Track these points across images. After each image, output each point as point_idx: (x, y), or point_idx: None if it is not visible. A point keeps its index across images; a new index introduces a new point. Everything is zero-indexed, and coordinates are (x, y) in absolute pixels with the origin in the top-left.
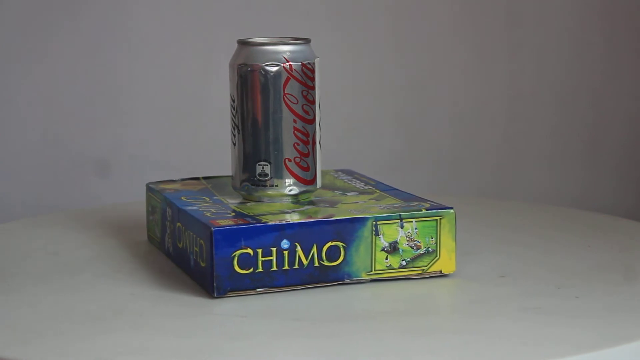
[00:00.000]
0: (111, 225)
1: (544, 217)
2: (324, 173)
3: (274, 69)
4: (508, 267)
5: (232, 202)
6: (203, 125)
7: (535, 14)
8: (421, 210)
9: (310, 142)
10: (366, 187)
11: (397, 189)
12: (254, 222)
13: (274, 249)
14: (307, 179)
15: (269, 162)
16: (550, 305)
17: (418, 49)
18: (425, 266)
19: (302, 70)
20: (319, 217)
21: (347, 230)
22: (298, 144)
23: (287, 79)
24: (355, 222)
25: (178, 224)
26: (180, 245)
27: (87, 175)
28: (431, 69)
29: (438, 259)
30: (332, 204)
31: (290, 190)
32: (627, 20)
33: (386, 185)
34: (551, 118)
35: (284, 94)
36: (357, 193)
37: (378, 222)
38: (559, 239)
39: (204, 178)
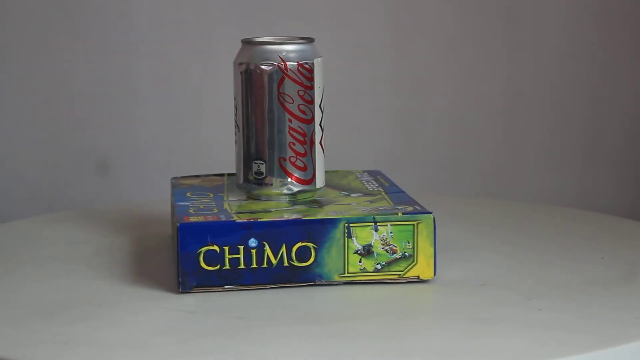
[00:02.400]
0: (135, 220)
1: (544, 218)
2: (348, 173)
3: (269, 68)
4: (495, 272)
5: (232, 199)
6: (203, 125)
7: (534, 14)
8: (397, 214)
9: (308, 142)
10: (375, 189)
11: (403, 192)
12: (224, 219)
13: (242, 247)
14: (304, 179)
15: (265, 161)
16: (502, 317)
17: (418, 49)
18: (402, 271)
19: (298, 70)
20: (289, 217)
21: (318, 231)
22: (294, 144)
23: (282, 79)
24: (327, 224)
25: (173, 218)
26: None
27: (88, 175)
28: (431, 69)
29: (415, 264)
30: (326, 204)
31: (286, 190)
32: (625, 20)
33: (398, 188)
34: (550, 118)
35: (279, 94)
36: (361, 194)
37: (351, 225)
38: (558, 239)
39: (229, 174)
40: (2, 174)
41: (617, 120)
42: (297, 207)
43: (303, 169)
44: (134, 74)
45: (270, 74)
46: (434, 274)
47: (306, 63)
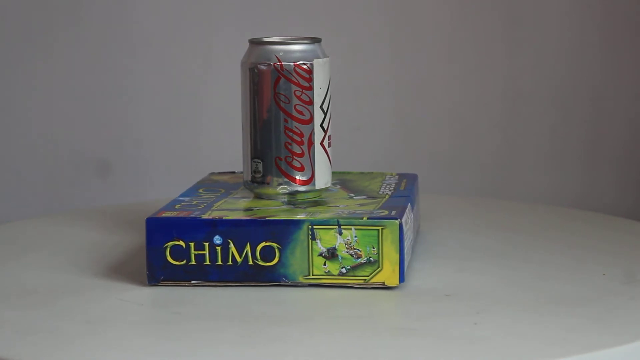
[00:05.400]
0: (134, 220)
1: (544, 218)
2: (380, 175)
3: (266, 68)
4: (472, 281)
5: (236, 197)
6: (203, 125)
7: (534, 14)
8: (362, 218)
9: (306, 143)
10: (384, 193)
11: (407, 197)
12: (195, 216)
13: (207, 244)
14: (301, 179)
15: (262, 160)
16: (427, 329)
17: (417, 48)
18: (367, 276)
19: (294, 70)
20: (254, 217)
21: (283, 232)
22: (290, 144)
23: (278, 79)
24: (290, 225)
25: None
26: None
27: (87, 175)
28: (430, 69)
29: (380, 270)
30: (320, 205)
31: (283, 189)
32: (626, 20)
33: (408, 192)
34: (551, 118)
35: (275, 93)
36: (365, 197)
37: (315, 227)
38: (558, 241)
39: None
40: (2, 174)
41: (618, 120)
42: (285, 207)
43: (300, 169)
44: (134, 73)
45: (268, 74)
46: (400, 281)
47: (304, 64)
